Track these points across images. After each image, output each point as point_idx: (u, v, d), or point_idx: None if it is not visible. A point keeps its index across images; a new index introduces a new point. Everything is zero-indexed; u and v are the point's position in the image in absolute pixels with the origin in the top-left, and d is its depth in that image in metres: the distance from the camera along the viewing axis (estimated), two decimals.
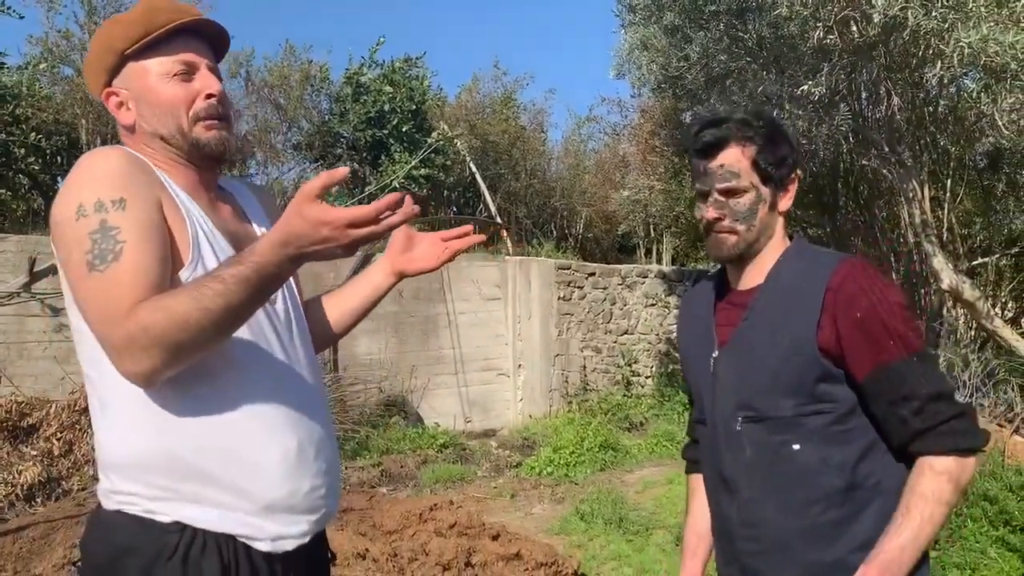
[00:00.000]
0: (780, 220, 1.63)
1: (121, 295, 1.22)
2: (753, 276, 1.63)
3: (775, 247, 1.62)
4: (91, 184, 1.30)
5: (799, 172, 1.63)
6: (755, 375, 1.56)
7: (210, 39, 1.49)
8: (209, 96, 1.43)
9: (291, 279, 1.56)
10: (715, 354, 1.64)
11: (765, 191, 1.58)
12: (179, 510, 1.33)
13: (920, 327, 1.59)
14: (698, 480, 1.84)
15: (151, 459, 1.33)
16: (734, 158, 1.58)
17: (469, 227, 1.68)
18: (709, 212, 1.60)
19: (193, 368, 1.29)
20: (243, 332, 1.37)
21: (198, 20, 1.44)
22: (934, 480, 1.44)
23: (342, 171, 1.15)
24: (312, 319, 1.67)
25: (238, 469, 1.35)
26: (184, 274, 1.33)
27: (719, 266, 1.76)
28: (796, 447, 1.51)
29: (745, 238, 1.59)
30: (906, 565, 1.41)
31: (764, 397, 1.54)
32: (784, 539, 1.53)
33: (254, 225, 1.58)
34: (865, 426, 1.51)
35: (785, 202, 1.62)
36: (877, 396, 1.49)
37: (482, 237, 1.69)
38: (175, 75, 1.42)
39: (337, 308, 1.75)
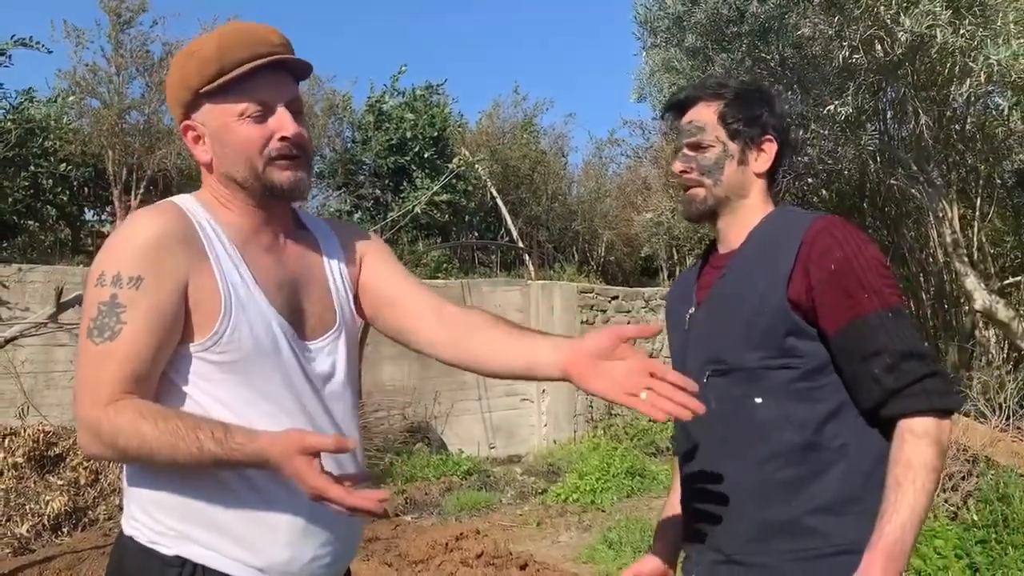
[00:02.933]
0: (759, 183, 1.63)
1: (104, 380, 1.28)
2: (735, 238, 1.63)
3: (755, 210, 1.62)
4: (119, 254, 1.32)
5: (776, 136, 1.63)
6: (726, 328, 1.54)
7: (289, 69, 1.43)
8: (283, 139, 1.39)
9: (347, 341, 1.51)
10: (691, 311, 1.65)
11: (732, 146, 1.60)
12: (183, 547, 1.35)
13: (898, 285, 1.57)
14: None
15: (165, 499, 1.35)
16: (701, 114, 1.62)
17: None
18: (676, 165, 1.66)
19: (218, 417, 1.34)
20: (265, 392, 1.37)
21: (276, 58, 1.39)
22: (917, 445, 1.39)
23: (346, 444, 1.24)
24: (470, 335, 1.48)
25: (248, 525, 1.35)
26: (195, 348, 1.34)
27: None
28: (758, 400, 1.48)
29: (713, 193, 1.61)
30: (909, 543, 1.36)
31: (733, 350, 1.52)
32: (738, 495, 1.49)
33: (327, 267, 1.53)
34: (836, 385, 1.47)
35: (761, 163, 1.62)
36: (848, 352, 1.45)
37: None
38: (249, 116, 1.37)
39: (489, 351, 1.47)
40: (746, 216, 1.62)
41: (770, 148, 1.61)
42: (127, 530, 1.39)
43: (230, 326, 1.34)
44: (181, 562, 1.34)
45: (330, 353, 1.48)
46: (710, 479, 1.54)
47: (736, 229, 1.63)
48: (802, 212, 1.62)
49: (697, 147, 1.62)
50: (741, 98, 1.62)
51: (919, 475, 1.37)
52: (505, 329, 1.46)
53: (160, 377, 1.34)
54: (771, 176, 1.67)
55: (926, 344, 1.49)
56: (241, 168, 1.39)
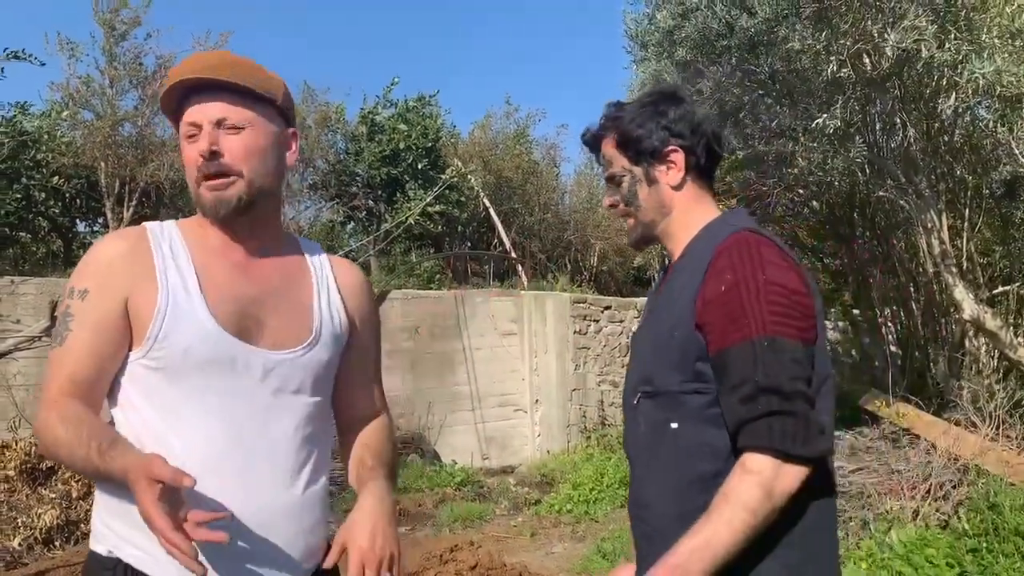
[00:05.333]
0: (682, 195, 1.59)
1: (51, 380, 1.43)
2: (676, 254, 1.63)
3: (687, 222, 1.59)
4: (79, 271, 1.49)
5: (680, 142, 1.58)
6: (651, 350, 1.54)
7: (233, 85, 1.46)
8: (200, 156, 1.45)
9: (329, 362, 1.58)
10: (634, 329, 1.70)
11: (637, 171, 1.61)
12: (122, 548, 1.42)
13: (802, 317, 1.42)
14: None
15: (115, 504, 1.43)
16: (606, 147, 1.65)
17: None
18: (605, 200, 1.70)
19: (147, 428, 1.43)
20: (190, 400, 1.43)
21: (194, 80, 1.45)
22: (741, 480, 1.33)
23: (183, 481, 1.22)
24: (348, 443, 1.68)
25: None
26: (135, 355, 1.45)
27: None
28: (674, 426, 1.46)
29: (640, 220, 1.62)
30: (694, 572, 1.31)
31: (657, 372, 1.50)
32: (663, 523, 1.47)
33: (314, 290, 1.61)
34: None
35: (673, 175, 1.59)
36: (719, 379, 1.41)
37: None
38: (187, 137, 1.48)
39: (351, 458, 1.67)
40: (679, 231, 1.60)
41: (677, 157, 1.58)
42: (91, 544, 1.49)
43: (161, 333, 1.42)
44: (114, 563, 1.41)
45: (297, 366, 1.52)
46: (638, 504, 1.56)
47: (676, 245, 1.62)
48: (733, 221, 1.55)
49: (613, 180, 1.64)
50: (632, 120, 1.59)
51: (730, 510, 1.31)
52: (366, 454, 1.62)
53: (112, 382, 1.46)
54: (701, 177, 1.62)
55: (800, 383, 1.36)
56: (191, 186, 1.51)
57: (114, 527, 1.43)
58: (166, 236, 1.51)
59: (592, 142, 1.69)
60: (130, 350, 1.45)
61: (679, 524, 1.40)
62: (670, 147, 1.58)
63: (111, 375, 1.46)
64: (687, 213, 1.60)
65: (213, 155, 1.45)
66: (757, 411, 1.34)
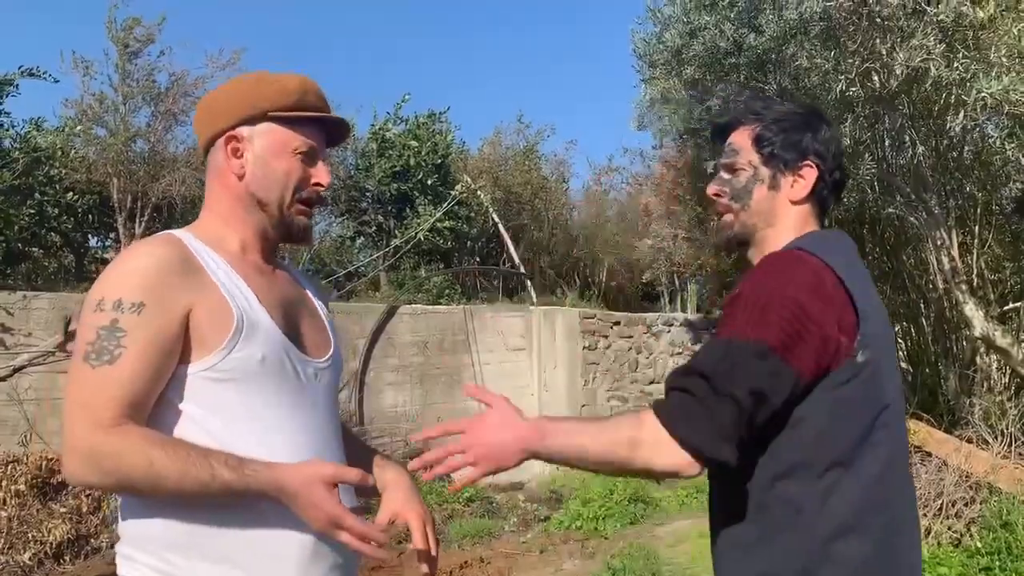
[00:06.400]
0: (794, 212, 1.52)
1: (102, 403, 1.27)
2: None
3: (779, 240, 1.50)
4: (120, 280, 1.35)
5: (818, 163, 1.52)
6: None
7: (331, 135, 1.59)
8: (318, 185, 1.53)
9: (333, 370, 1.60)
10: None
11: (764, 171, 1.53)
12: None
13: (801, 341, 1.28)
14: None
15: (171, 535, 1.34)
16: (738, 136, 1.58)
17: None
18: (710, 187, 1.60)
19: (214, 439, 1.34)
20: (270, 407, 1.41)
21: (340, 119, 1.57)
22: (625, 422, 1.31)
23: (368, 479, 1.32)
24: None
25: (256, 556, 1.35)
26: (198, 367, 1.36)
27: None
28: None
29: (741, 219, 1.55)
30: (547, 444, 1.32)
31: None
32: (718, 551, 1.45)
33: (313, 298, 1.65)
34: (796, 442, 1.32)
35: (797, 190, 1.52)
36: None
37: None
38: (299, 153, 1.51)
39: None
40: (769, 246, 1.51)
41: (809, 174, 1.51)
42: (123, 570, 1.37)
43: (240, 343, 1.37)
44: None
45: (331, 373, 1.56)
46: (710, 534, 1.52)
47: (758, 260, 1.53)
48: (798, 242, 1.45)
49: (731, 169, 1.57)
50: (780, 121, 1.54)
51: (601, 435, 1.31)
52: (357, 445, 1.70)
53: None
54: (819, 205, 1.55)
55: (741, 388, 1.26)
56: (272, 194, 1.49)
57: (183, 564, 1.33)
58: (195, 243, 1.45)
59: (727, 127, 1.61)
60: (182, 362, 1.36)
61: (720, 554, 1.44)
62: (806, 162, 1.52)
63: (158, 394, 1.35)
64: (788, 231, 1.51)
65: (324, 190, 1.56)
66: (675, 383, 1.31)
